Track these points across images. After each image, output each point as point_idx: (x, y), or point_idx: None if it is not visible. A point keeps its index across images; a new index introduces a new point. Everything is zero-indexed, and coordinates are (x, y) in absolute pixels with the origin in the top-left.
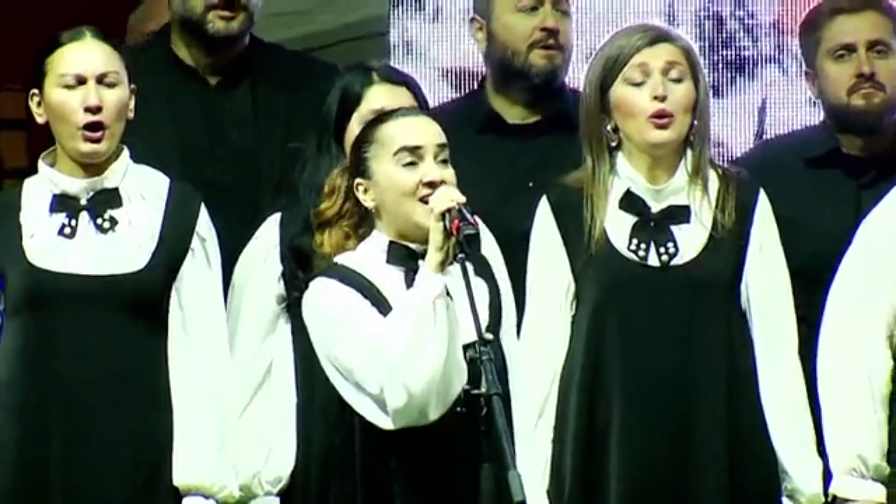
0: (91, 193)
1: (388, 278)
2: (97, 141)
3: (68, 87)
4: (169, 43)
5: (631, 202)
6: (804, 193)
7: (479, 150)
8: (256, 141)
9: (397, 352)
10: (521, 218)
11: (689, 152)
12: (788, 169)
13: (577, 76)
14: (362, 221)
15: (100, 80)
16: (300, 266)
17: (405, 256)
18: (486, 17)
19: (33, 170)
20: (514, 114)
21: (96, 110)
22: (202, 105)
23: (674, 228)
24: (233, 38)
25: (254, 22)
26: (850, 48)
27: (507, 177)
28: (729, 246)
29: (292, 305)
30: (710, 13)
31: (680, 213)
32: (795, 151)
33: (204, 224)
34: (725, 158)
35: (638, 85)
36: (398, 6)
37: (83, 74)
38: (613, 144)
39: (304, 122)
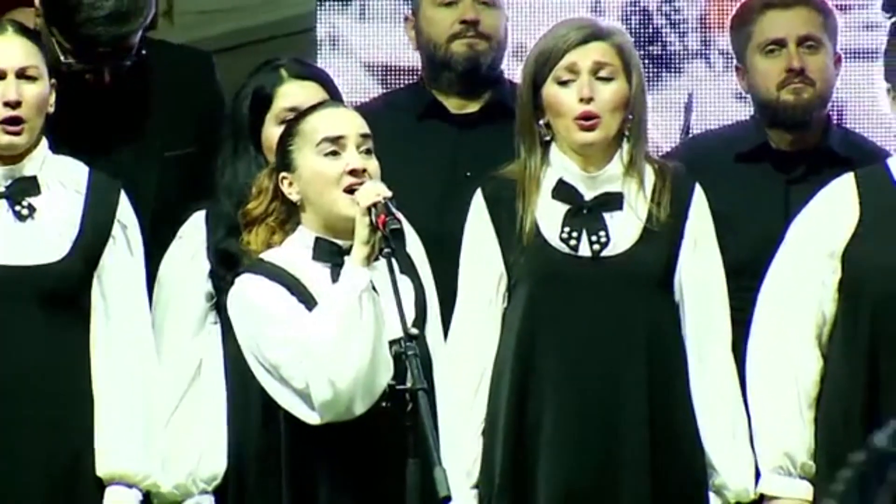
0: (9, 181)
1: (313, 274)
2: (16, 134)
3: None
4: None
5: (564, 191)
6: (733, 188)
7: (420, 137)
8: (133, 145)
9: (323, 346)
10: (459, 209)
11: (624, 145)
12: (717, 164)
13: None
14: (288, 218)
15: (20, 74)
16: (227, 269)
17: (331, 252)
18: (415, 12)
19: None
20: (452, 104)
21: (15, 105)
22: (101, 103)
23: (607, 217)
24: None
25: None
26: (780, 43)
27: (447, 166)
28: (663, 239)
29: (221, 304)
30: (637, 8)
31: (613, 201)
32: (724, 146)
33: (125, 211)
34: (652, 153)
35: (566, 84)
36: (325, 2)
37: (3, 68)
38: (547, 139)
39: (184, 128)
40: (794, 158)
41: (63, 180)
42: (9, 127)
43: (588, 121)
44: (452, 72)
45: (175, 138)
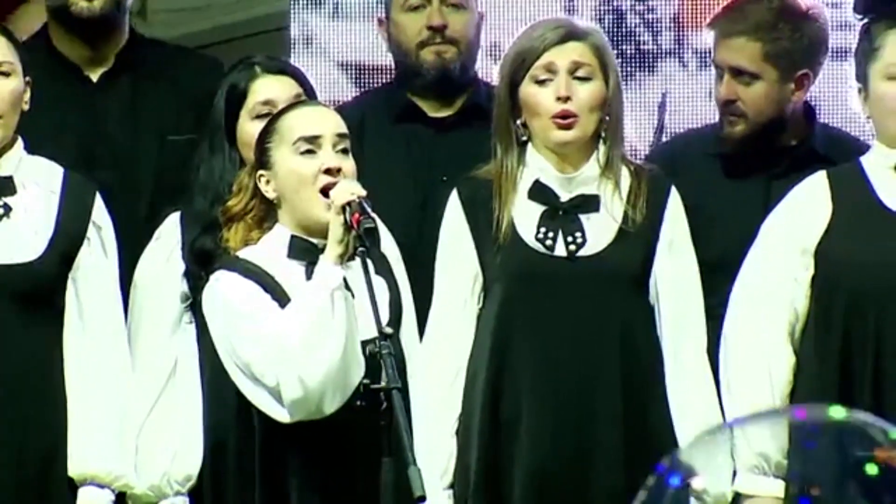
0: None
1: (288, 272)
2: None
3: None
4: (50, 40)
5: (540, 192)
6: (714, 185)
7: (397, 139)
8: (139, 136)
9: (294, 343)
10: (435, 212)
11: (601, 146)
12: (698, 161)
13: (481, 71)
14: (267, 216)
15: None
16: (203, 268)
17: (306, 250)
18: (388, 17)
19: None
20: (427, 107)
21: None
22: (84, 102)
23: (583, 218)
24: (100, 22)
25: (121, 9)
26: None
27: (423, 169)
28: (639, 240)
29: (196, 304)
30: (611, 7)
31: (589, 203)
32: (704, 143)
33: (100, 212)
34: (627, 152)
35: (543, 84)
36: (298, 1)
37: None
38: (524, 139)
39: (187, 117)
40: (776, 155)
41: (38, 180)
42: None
43: (565, 119)
44: (423, 79)
45: (178, 124)
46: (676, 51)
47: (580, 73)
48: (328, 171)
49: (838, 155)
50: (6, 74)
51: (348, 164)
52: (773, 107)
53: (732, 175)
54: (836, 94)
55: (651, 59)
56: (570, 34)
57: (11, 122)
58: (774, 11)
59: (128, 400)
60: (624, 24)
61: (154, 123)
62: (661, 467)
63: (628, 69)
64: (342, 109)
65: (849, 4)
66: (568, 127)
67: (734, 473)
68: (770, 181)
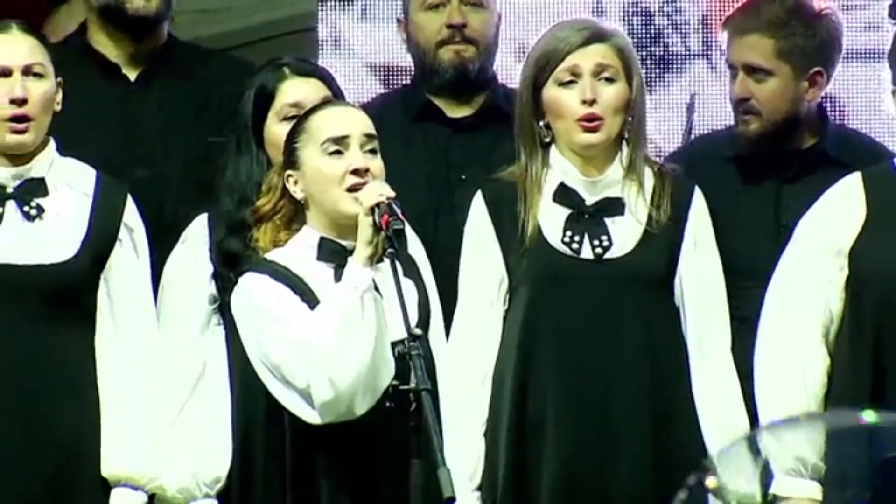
0: (18, 182)
1: (317, 274)
2: (22, 132)
3: None
4: (86, 39)
5: (565, 195)
6: (725, 189)
7: (415, 139)
8: (177, 137)
9: (324, 345)
10: (453, 211)
11: (624, 148)
12: (711, 164)
13: (506, 71)
14: (295, 217)
15: (26, 71)
16: (230, 268)
17: (335, 252)
18: (406, 16)
19: None
20: (446, 107)
21: (22, 102)
22: (121, 102)
23: (608, 221)
24: (152, 21)
25: (171, 8)
26: None
27: (441, 169)
28: (663, 241)
29: (225, 306)
30: (639, 9)
31: (614, 206)
32: (719, 147)
33: (131, 214)
34: (655, 154)
35: (568, 86)
36: (326, 2)
37: (9, 66)
38: (547, 140)
39: (222, 119)
40: (787, 159)
41: (71, 182)
42: (15, 125)
43: (591, 122)
44: (441, 77)
45: (214, 125)
46: (705, 52)
47: (604, 76)
48: (356, 172)
49: (851, 156)
50: (38, 76)
51: (376, 165)
52: (786, 104)
53: (745, 178)
54: (866, 96)
55: (679, 61)
56: (594, 36)
57: (43, 124)
58: (788, 9)
59: (160, 401)
60: (652, 26)
61: (190, 124)
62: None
63: (657, 71)
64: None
65: (875, 5)
66: (593, 130)
67: (770, 476)
68: (782, 184)
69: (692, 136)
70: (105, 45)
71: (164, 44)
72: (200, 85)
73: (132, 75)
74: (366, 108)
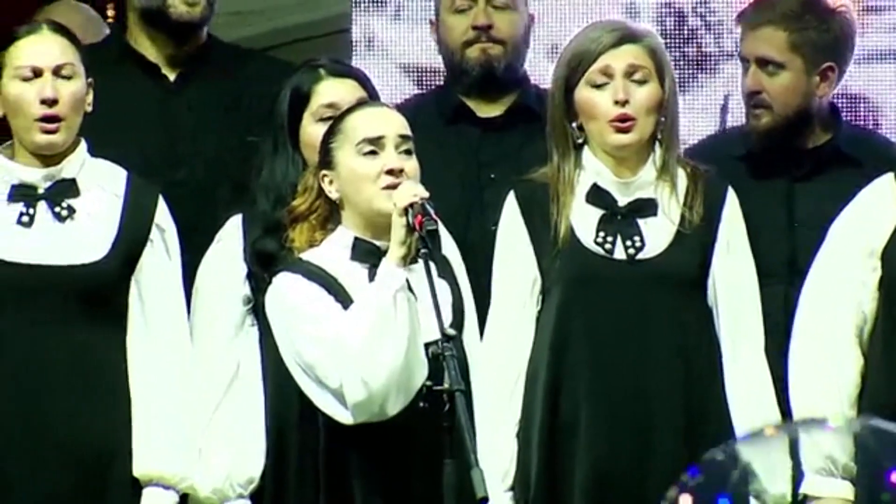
0: (49, 183)
1: (351, 274)
2: (53, 132)
3: (25, 79)
4: (125, 39)
5: (598, 196)
6: (737, 187)
7: (447, 140)
8: (216, 137)
9: (357, 345)
10: (483, 211)
11: (657, 148)
12: (722, 163)
13: (538, 71)
14: (330, 217)
15: (56, 72)
16: (265, 269)
17: (369, 253)
18: (438, 18)
19: None
20: (477, 108)
21: (52, 102)
22: (161, 102)
23: (640, 222)
24: (195, 26)
25: (213, 11)
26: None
27: (471, 168)
28: (696, 242)
29: (259, 307)
30: (672, 9)
31: (647, 207)
32: (730, 146)
33: (162, 215)
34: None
35: (600, 87)
36: (360, 4)
37: (39, 66)
38: (580, 142)
39: (260, 120)
40: (800, 156)
41: (102, 183)
42: (46, 125)
43: (623, 123)
44: (469, 77)
45: (252, 125)
46: (738, 52)
47: (637, 76)
48: (390, 172)
49: (864, 154)
50: (68, 77)
51: (411, 165)
52: (798, 98)
53: (756, 177)
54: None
55: (713, 61)
56: (626, 37)
57: (74, 124)
58: (801, 3)
59: (192, 400)
60: (685, 26)
61: (226, 125)
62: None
63: (690, 71)
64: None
65: None
66: (626, 130)
67: (801, 476)
68: (793, 183)
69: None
70: (145, 46)
71: (203, 44)
72: (238, 85)
73: (171, 76)
74: (400, 108)
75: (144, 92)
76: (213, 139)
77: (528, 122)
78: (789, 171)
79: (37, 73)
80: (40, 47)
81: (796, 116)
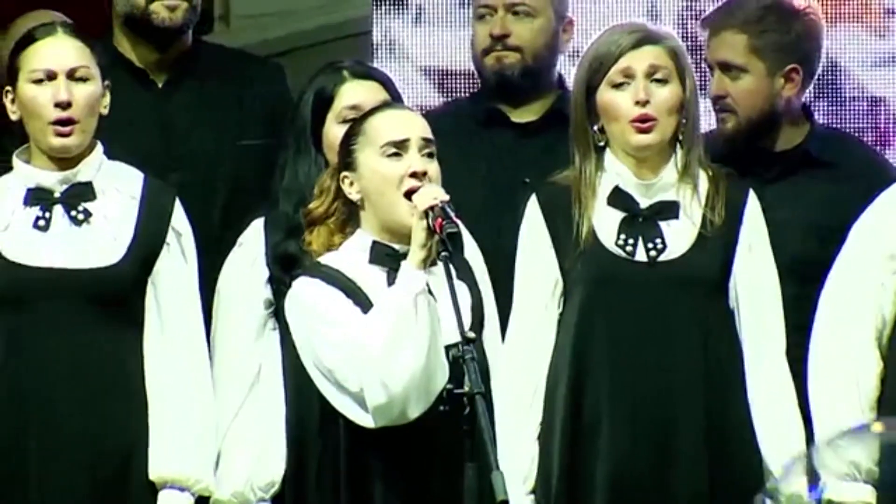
0: (65, 187)
1: (370, 278)
2: (67, 135)
3: (39, 82)
4: (113, 45)
5: (619, 198)
6: None
7: (481, 144)
8: (208, 140)
9: (377, 348)
10: (516, 215)
11: (678, 150)
12: None
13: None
14: (349, 220)
15: (70, 75)
16: (287, 272)
17: (388, 256)
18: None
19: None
20: (512, 112)
21: (66, 105)
22: (151, 106)
23: (662, 224)
24: (177, 31)
25: (196, 15)
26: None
27: (506, 172)
28: (718, 244)
29: (280, 310)
30: (693, 12)
31: (669, 209)
32: (708, 147)
33: (179, 218)
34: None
35: (621, 88)
36: (380, 6)
37: (53, 69)
38: (601, 144)
39: (250, 121)
40: (770, 159)
41: (118, 186)
42: (60, 128)
43: (644, 123)
44: (488, 84)
45: (243, 128)
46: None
47: (657, 76)
48: (414, 175)
49: (836, 156)
50: (83, 80)
51: (433, 168)
52: (761, 101)
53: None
54: None
55: None
56: (646, 38)
57: (89, 127)
58: (763, 6)
59: (207, 403)
60: None
61: (221, 126)
62: None
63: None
64: (428, 115)
65: None
66: (647, 130)
67: (823, 483)
68: (764, 185)
69: None
70: (130, 52)
71: (188, 48)
72: (229, 86)
73: (160, 81)
74: (433, 113)
75: (135, 97)
76: (206, 141)
77: (564, 125)
78: (760, 175)
79: (51, 76)
80: (54, 50)
81: (760, 119)
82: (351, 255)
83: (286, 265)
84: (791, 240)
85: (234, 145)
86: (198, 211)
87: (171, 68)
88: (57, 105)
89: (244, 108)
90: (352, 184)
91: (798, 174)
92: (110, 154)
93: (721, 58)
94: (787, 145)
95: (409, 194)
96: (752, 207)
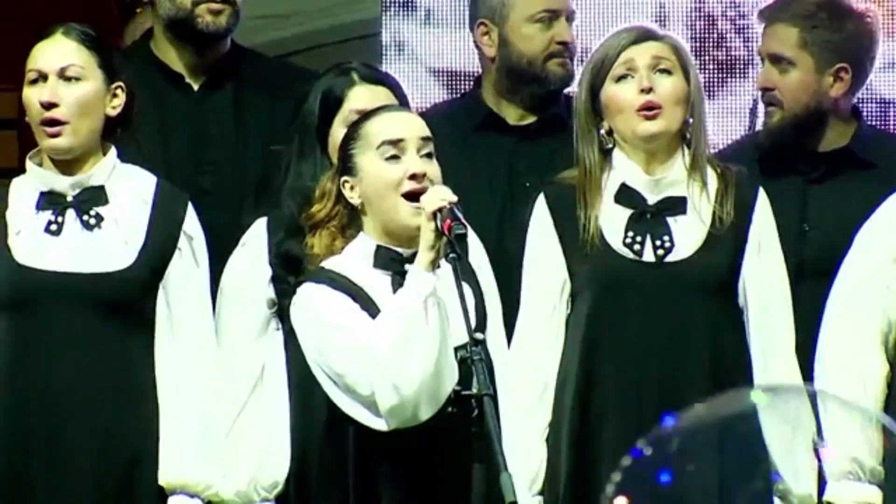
0: (77, 191)
1: (375, 283)
2: (55, 136)
3: (34, 83)
4: (151, 49)
5: (626, 195)
6: None
7: (477, 148)
8: (240, 145)
9: (388, 351)
10: (517, 218)
11: (685, 148)
12: (741, 165)
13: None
14: (350, 223)
15: (60, 74)
16: (289, 272)
17: (392, 260)
18: (498, 23)
19: (23, 170)
20: (511, 115)
21: (49, 106)
22: (186, 110)
23: (671, 221)
24: (220, 35)
25: (238, 19)
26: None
27: (504, 175)
28: (727, 244)
29: (283, 311)
30: (701, 13)
31: (677, 205)
32: (744, 151)
33: (191, 223)
34: None
35: (625, 80)
36: (389, 8)
37: (43, 70)
38: (609, 147)
39: (285, 127)
40: (815, 159)
41: (131, 190)
42: (47, 129)
43: (650, 110)
44: (543, 88)
45: (276, 134)
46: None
47: (661, 67)
48: (413, 177)
49: (880, 156)
50: (75, 79)
51: (433, 169)
52: (807, 97)
53: (771, 178)
54: None
55: (742, 65)
56: (647, 35)
57: (83, 127)
58: (818, 4)
59: (217, 409)
60: (715, 30)
61: (254, 132)
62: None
63: (720, 75)
64: (424, 117)
65: None
66: (653, 118)
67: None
68: (808, 186)
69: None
70: (169, 55)
71: (226, 53)
72: (266, 94)
73: (195, 85)
74: (426, 115)
75: (169, 100)
76: (238, 146)
77: (560, 130)
78: (804, 173)
79: (42, 76)
80: (47, 50)
81: (806, 115)
82: (355, 260)
83: (289, 265)
84: (832, 241)
85: (263, 152)
86: (225, 216)
87: (207, 72)
88: (42, 106)
89: (275, 115)
90: (352, 188)
91: (842, 175)
92: (139, 156)
93: (771, 49)
94: (834, 146)
95: (408, 196)
96: (762, 206)
